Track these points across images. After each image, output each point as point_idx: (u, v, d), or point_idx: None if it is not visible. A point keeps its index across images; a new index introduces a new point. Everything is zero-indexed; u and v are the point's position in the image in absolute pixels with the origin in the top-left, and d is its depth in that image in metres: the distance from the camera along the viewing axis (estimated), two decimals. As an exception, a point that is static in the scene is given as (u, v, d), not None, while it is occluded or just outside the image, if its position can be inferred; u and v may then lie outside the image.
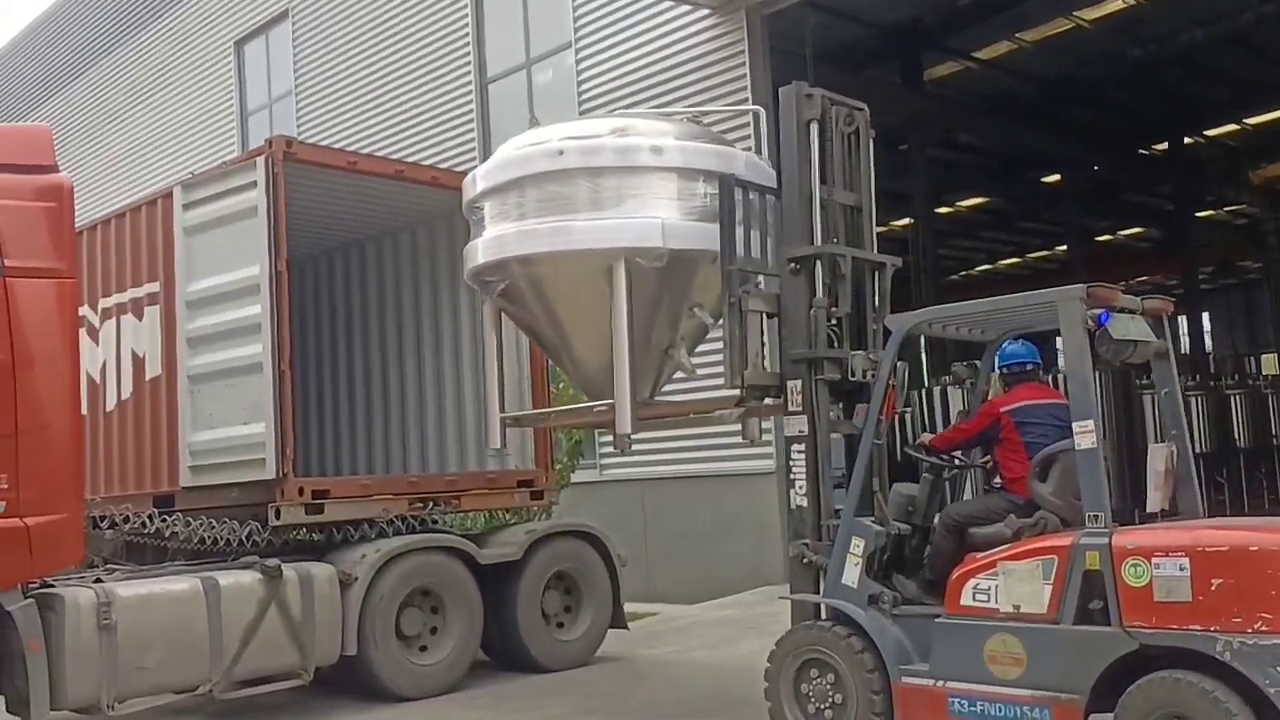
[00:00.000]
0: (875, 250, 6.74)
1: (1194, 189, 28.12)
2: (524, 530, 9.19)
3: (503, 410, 7.85)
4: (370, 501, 8.64)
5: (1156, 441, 5.77)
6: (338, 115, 17.15)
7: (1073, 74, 21.03)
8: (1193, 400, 16.28)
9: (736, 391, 6.49)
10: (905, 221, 26.03)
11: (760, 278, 6.81)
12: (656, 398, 7.64)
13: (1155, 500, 5.55)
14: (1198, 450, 15.84)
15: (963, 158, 25.16)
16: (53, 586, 6.98)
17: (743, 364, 6.39)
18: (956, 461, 6.52)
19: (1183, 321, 31.98)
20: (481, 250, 7.25)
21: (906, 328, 6.10)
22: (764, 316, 6.58)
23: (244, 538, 8.06)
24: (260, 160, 8.17)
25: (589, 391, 7.62)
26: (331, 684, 8.19)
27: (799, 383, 6.33)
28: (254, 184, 8.16)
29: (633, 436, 6.96)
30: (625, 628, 9.56)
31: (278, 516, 8.07)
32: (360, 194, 9.32)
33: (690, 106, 12.27)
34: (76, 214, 6.97)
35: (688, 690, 8.10)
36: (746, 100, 12.20)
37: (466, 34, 15.43)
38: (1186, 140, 25.98)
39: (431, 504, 9.04)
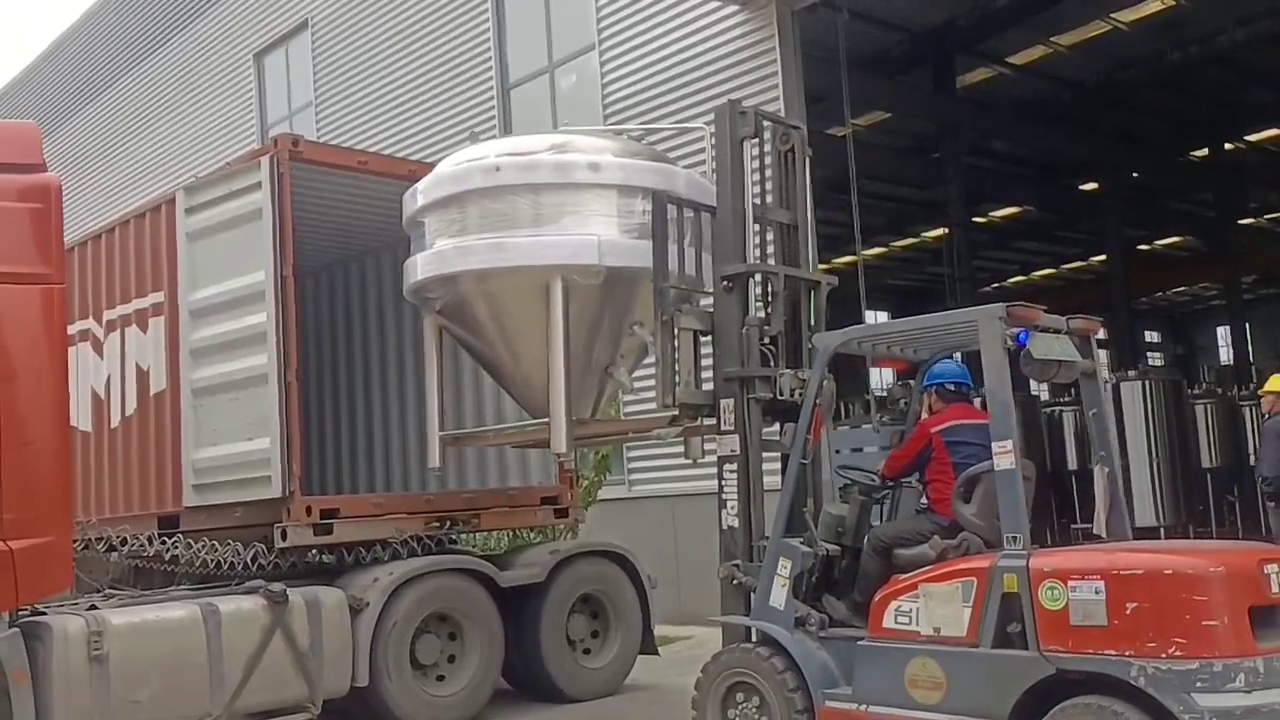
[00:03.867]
0: (813, 268, 6.99)
1: (1236, 195, 27.53)
2: (548, 550, 8.77)
3: (443, 428, 7.92)
4: (383, 521, 8.19)
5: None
6: (358, 125, 16.84)
7: (1110, 78, 20.62)
8: (1247, 410, 15.63)
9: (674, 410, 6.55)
10: (939, 232, 25.55)
11: (699, 296, 6.87)
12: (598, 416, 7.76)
13: (1102, 522, 5.62)
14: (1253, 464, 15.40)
15: (998, 166, 24.72)
16: (43, 614, 6.56)
17: (674, 382, 6.44)
18: (887, 482, 6.47)
19: (1225, 331, 31.25)
20: (420, 266, 7.39)
21: (834, 346, 6.13)
22: (699, 335, 6.59)
23: (249, 560, 7.65)
24: (265, 160, 7.75)
25: (531, 410, 7.68)
26: (342, 717, 7.75)
27: (731, 401, 6.32)
28: (259, 185, 7.74)
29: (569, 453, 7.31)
30: (656, 653, 9.13)
31: (284, 538, 7.64)
32: (372, 196, 8.89)
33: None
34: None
35: (723, 722, 7.59)
36: (778, 102, 11.75)
37: (487, 39, 15.06)
38: (1228, 145, 25.49)
39: (449, 523, 8.61)
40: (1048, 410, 18.81)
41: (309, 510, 7.74)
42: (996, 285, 33.89)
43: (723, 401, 6.37)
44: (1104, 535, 5.66)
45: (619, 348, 7.40)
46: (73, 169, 22.91)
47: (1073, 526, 16.07)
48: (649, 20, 13.05)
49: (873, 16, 15.92)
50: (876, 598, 5.54)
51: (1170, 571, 4.73)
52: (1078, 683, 4.79)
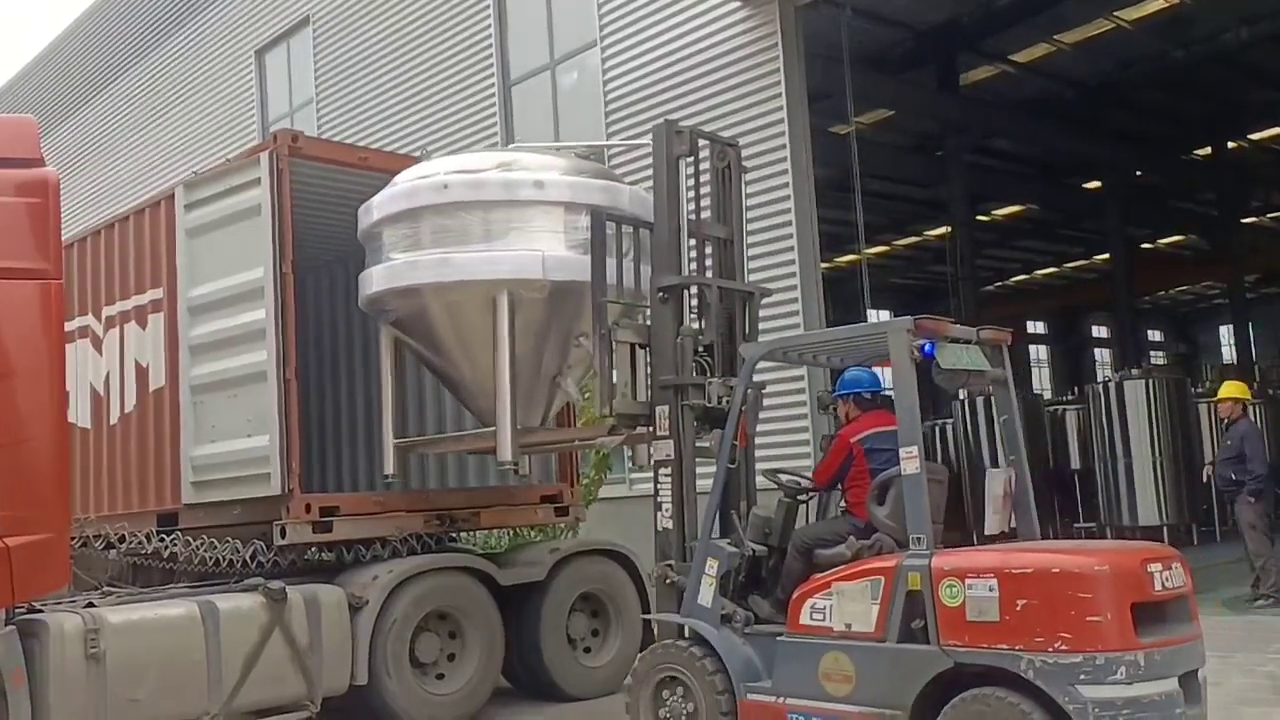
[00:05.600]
0: (745, 279, 7.09)
1: (1238, 194, 27.48)
2: (548, 549, 8.73)
3: (396, 436, 8.06)
4: (383, 519, 8.13)
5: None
6: (360, 121, 16.81)
7: (1113, 77, 20.59)
8: (1252, 410, 15.56)
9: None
10: (942, 230, 25.51)
11: (643, 309, 7.06)
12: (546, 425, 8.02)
13: (993, 523, 5.85)
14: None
15: (1001, 164, 24.68)
16: (40, 612, 6.51)
17: (612, 393, 6.66)
18: (804, 485, 6.72)
19: (1228, 330, 31.21)
20: (375, 279, 7.60)
21: (758, 355, 6.36)
22: (637, 347, 6.77)
23: (248, 558, 7.59)
24: (264, 156, 7.70)
25: (483, 418, 7.88)
26: (341, 715, 7.69)
27: (666, 409, 6.56)
28: (258, 181, 7.69)
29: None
30: (656, 653, 9.04)
31: (283, 535, 7.59)
32: (373, 193, 8.82)
33: (718, 107, 11.89)
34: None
35: None
36: (780, 99, 11.73)
37: (489, 36, 15.02)
38: (1231, 144, 25.40)
39: (449, 521, 8.54)
40: (1051, 409, 18.76)
41: (308, 508, 7.68)
42: (999, 284, 33.85)
43: (658, 409, 6.59)
44: (987, 533, 5.89)
45: (566, 359, 7.67)
46: (74, 165, 22.90)
47: (1075, 525, 16.06)
48: (651, 17, 13.02)
49: (876, 14, 15.88)
50: (795, 595, 5.75)
51: (1057, 570, 4.97)
52: (975, 675, 5.00)
